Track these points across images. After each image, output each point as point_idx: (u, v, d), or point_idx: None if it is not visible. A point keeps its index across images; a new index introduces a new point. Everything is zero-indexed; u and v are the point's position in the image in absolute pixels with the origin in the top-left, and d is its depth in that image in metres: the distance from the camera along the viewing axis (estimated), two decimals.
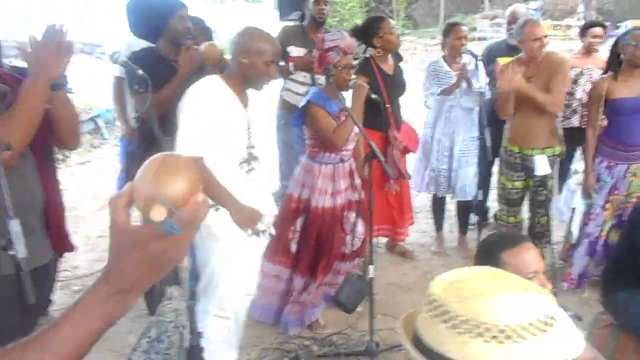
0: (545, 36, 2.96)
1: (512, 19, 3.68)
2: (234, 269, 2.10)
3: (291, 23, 3.51)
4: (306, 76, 3.40)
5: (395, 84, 3.29)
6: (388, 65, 3.28)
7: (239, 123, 2.03)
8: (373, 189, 2.43)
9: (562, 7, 18.22)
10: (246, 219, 1.97)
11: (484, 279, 0.83)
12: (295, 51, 3.35)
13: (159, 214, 0.59)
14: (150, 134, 1.94)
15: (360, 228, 2.81)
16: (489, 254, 1.52)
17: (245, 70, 1.99)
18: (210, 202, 1.96)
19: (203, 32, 3.05)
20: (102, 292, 0.63)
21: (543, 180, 2.49)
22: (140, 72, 1.84)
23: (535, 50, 2.94)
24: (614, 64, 2.87)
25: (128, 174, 3.64)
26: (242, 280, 2.17)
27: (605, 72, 2.97)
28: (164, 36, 2.39)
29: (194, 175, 0.63)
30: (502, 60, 3.60)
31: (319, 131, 2.61)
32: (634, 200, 2.91)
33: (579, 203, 3.34)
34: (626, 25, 17.74)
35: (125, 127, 3.38)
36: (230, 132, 2.00)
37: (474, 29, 19.76)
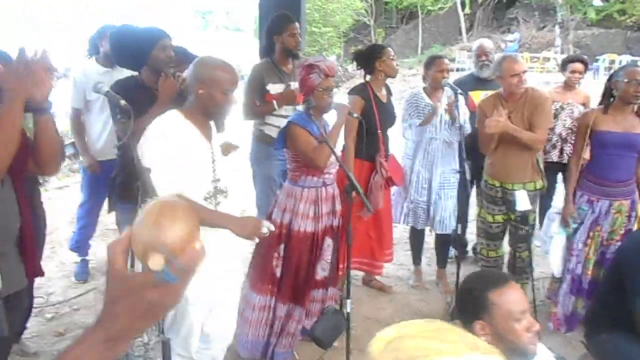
0: (524, 72, 2.95)
1: (480, 52, 3.68)
2: (196, 310, 2.01)
3: (261, 60, 3.42)
4: (287, 109, 3.32)
5: (388, 114, 3.28)
6: (382, 94, 3.28)
7: (203, 157, 1.96)
8: (351, 222, 2.33)
9: (539, 40, 18.85)
10: (250, 229, 1.96)
11: (427, 337, 0.75)
12: (275, 88, 3.27)
13: (157, 262, 0.60)
14: (129, 162, 1.92)
15: (334, 255, 2.72)
16: (473, 294, 1.46)
17: (203, 102, 1.90)
18: None
19: (189, 60, 2.99)
20: (95, 337, 0.63)
21: (524, 216, 2.42)
22: (123, 102, 1.81)
23: (514, 86, 2.93)
24: (607, 98, 2.85)
25: (94, 200, 3.55)
26: (204, 322, 2.07)
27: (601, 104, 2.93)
28: (147, 65, 2.43)
29: (192, 221, 0.64)
30: (473, 94, 3.61)
31: (299, 150, 2.54)
32: (617, 238, 2.86)
33: (556, 231, 3.31)
34: (604, 59, 18.30)
35: (86, 158, 3.27)
36: (195, 167, 1.90)
37: (452, 60, 20.28)
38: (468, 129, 3.26)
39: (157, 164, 1.81)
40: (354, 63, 3.32)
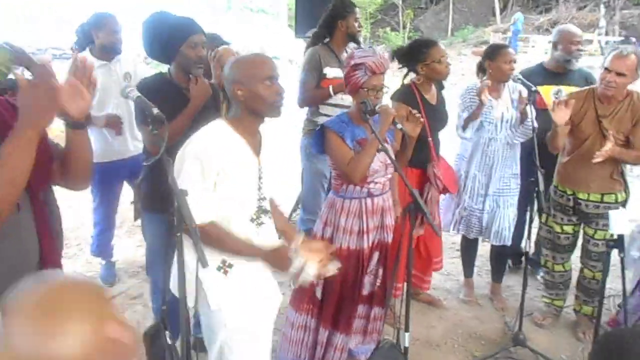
0: (619, 74, 2.42)
1: (572, 40, 3.08)
2: (245, 339, 1.78)
3: (317, 44, 3.20)
4: (343, 98, 3.05)
5: (438, 116, 2.87)
6: (431, 94, 2.86)
7: (250, 174, 1.72)
8: (413, 245, 2.02)
9: (580, 21, 17.76)
10: (280, 263, 1.72)
11: None
12: (333, 72, 3.08)
13: None
14: (159, 173, 1.69)
15: (384, 272, 2.44)
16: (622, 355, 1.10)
17: (247, 102, 1.68)
18: (219, 263, 1.69)
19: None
20: None
21: (619, 240, 2.01)
22: (156, 111, 1.58)
23: (603, 81, 2.47)
24: None
25: (107, 202, 3.35)
26: (254, 351, 1.85)
27: None
28: (175, 62, 2.21)
29: (95, 312, 0.45)
30: (542, 90, 3.15)
31: (334, 161, 2.29)
32: None
33: (637, 252, 2.92)
34: None
35: (99, 120, 3.02)
36: (241, 186, 1.69)
37: (486, 42, 19.43)
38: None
39: (195, 187, 1.56)
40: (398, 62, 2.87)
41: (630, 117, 2.48)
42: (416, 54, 2.76)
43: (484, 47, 3.78)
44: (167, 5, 3.14)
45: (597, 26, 17.45)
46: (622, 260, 2.07)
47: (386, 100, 2.29)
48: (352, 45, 3.20)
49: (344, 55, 3.07)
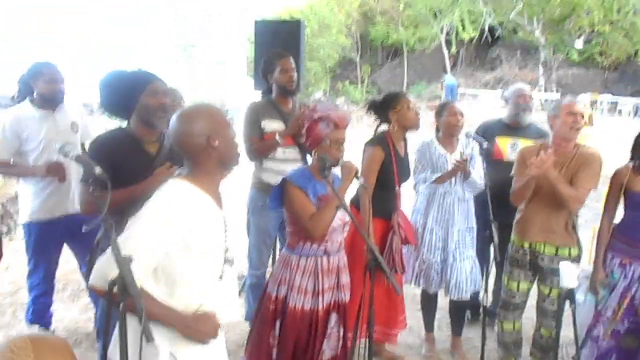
0: (582, 117, 2.60)
1: (521, 96, 3.33)
2: None
3: (258, 98, 3.24)
4: (285, 152, 3.02)
5: (405, 168, 2.97)
6: (400, 146, 2.96)
7: (219, 230, 1.61)
8: (374, 305, 1.99)
9: (522, 79, 19.03)
10: (206, 332, 1.54)
11: None
12: (272, 126, 3.01)
13: None
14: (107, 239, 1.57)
15: (341, 332, 2.38)
16: None
17: (223, 153, 1.56)
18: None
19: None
20: None
21: (570, 293, 2.06)
22: (98, 170, 1.49)
23: (567, 125, 2.57)
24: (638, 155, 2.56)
25: (46, 264, 3.07)
26: None
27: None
28: (135, 114, 2.11)
29: None
30: (500, 141, 3.34)
31: (295, 216, 2.23)
32: None
33: (582, 298, 2.98)
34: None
35: (38, 168, 2.89)
36: (212, 244, 1.56)
37: (438, 97, 20.40)
38: (482, 185, 2.92)
39: (138, 247, 1.40)
40: (370, 112, 3.00)
41: (577, 164, 2.58)
42: (388, 103, 2.89)
43: (437, 102, 3.98)
44: (124, 59, 3.13)
45: (537, 84, 18.77)
46: (573, 312, 2.10)
47: (347, 155, 2.30)
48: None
49: (290, 107, 3.09)
